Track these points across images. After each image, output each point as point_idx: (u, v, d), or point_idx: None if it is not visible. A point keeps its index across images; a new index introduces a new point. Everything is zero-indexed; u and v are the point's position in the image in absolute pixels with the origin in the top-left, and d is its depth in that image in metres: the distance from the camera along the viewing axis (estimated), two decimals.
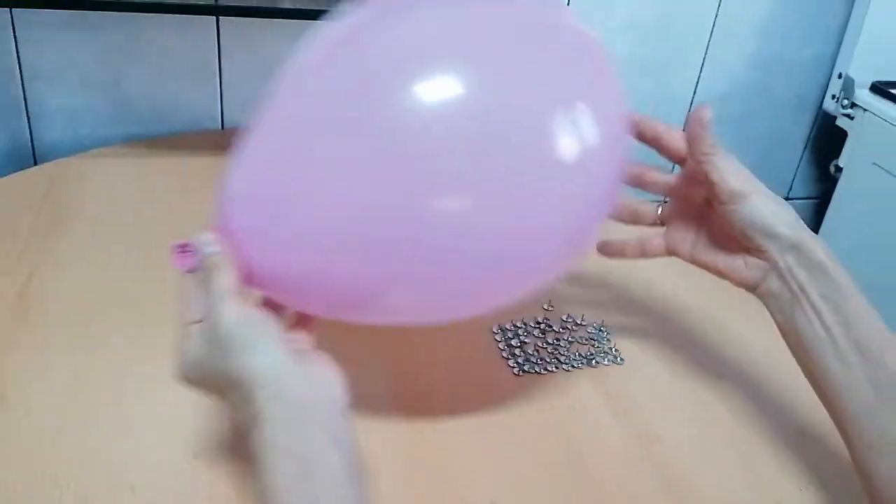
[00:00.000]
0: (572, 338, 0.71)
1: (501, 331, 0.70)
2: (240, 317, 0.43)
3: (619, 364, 0.68)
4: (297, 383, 0.42)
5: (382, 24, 0.48)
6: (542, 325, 0.72)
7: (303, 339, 0.49)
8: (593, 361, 0.68)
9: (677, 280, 0.79)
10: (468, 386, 0.64)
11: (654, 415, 0.62)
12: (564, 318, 0.73)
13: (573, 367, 0.67)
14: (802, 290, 0.51)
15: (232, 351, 0.42)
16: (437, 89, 0.45)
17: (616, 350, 0.70)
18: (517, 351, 0.68)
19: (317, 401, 0.42)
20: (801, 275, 0.51)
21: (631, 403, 0.63)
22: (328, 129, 0.45)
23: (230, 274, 0.45)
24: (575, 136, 0.47)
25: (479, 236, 0.45)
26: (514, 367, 0.66)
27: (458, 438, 0.58)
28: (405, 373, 0.64)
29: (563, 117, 0.47)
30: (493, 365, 0.67)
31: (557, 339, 0.70)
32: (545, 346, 0.69)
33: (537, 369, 0.66)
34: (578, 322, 0.73)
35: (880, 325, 0.50)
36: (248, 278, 0.47)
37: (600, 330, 0.72)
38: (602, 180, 0.50)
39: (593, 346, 0.70)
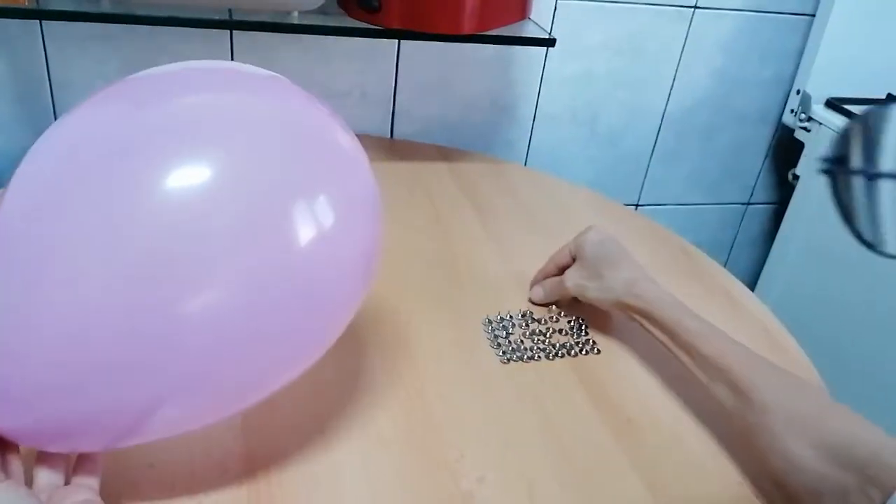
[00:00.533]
0: (554, 329, 0.71)
1: (489, 322, 0.71)
2: None
3: (595, 354, 0.68)
4: None
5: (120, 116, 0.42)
6: (527, 318, 0.72)
7: (84, 490, 0.42)
8: (573, 352, 0.68)
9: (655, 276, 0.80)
10: (459, 373, 0.64)
11: (626, 400, 0.63)
12: (547, 312, 0.74)
13: (555, 356, 0.67)
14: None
15: None
16: (182, 183, 0.39)
17: (593, 342, 0.70)
18: (503, 341, 0.68)
19: None
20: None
21: (606, 390, 0.64)
22: (62, 242, 0.38)
23: None
24: (318, 224, 0.42)
25: (238, 329, 0.40)
26: (500, 356, 0.67)
27: (449, 420, 0.59)
28: (400, 361, 0.64)
29: (306, 206, 0.42)
30: (482, 354, 0.67)
31: (541, 331, 0.71)
32: (529, 336, 0.69)
33: (522, 358, 0.67)
34: (560, 316, 0.73)
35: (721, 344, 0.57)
36: (7, 437, 0.41)
37: (579, 323, 0.72)
38: (349, 263, 0.46)
39: (573, 337, 0.70)
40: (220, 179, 0.40)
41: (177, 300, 0.38)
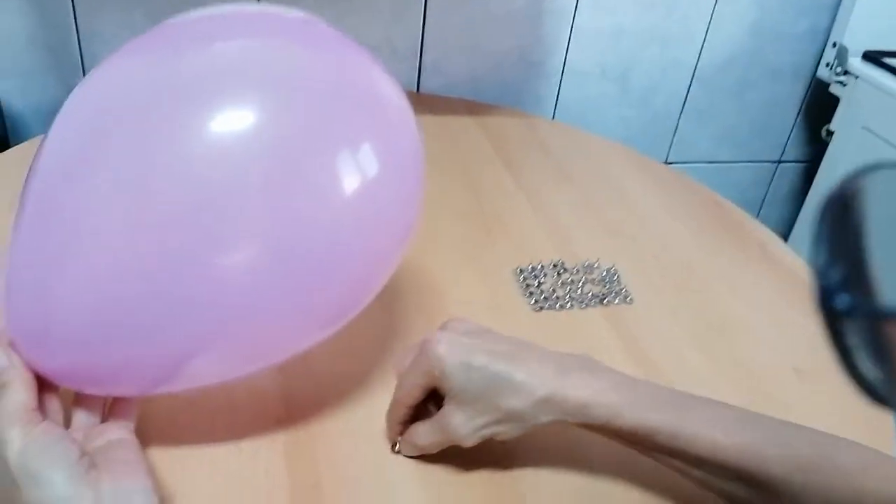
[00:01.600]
0: (587, 279, 0.70)
1: (520, 272, 0.70)
2: (25, 446, 0.36)
3: (628, 304, 0.67)
4: None
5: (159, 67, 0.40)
6: (559, 268, 0.71)
7: (119, 429, 0.42)
8: (605, 301, 0.67)
9: (688, 235, 0.79)
10: (492, 321, 0.60)
11: (657, 349, 0.62)
12: (579, 261, 0.72)
13: (587, 305, 0.66)
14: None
15: (22, 483, 0.36)
16: (220, 133, 0.37)
17: (626, 291, 0.69)
18: (535, 290, 0.68)
19: None
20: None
21: (638, 339, 0.63)
22: (99, 193, 0.37)
23: (18, 395, 0.38)
24: (362, 175, 0.41)
25: (276, 282, 0.39)
26: (532, 304, 0.66)
27: None
28: (433, 311, 0.63)
29: (350, 156, 0.40)
30: (515, 303, 0.66)
31: (573, 280, 0.69)
32: (561, 286, 0.69)
33: (554, 306, 0.66)
34: (593, 265, 0.72)
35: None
36: (46, 378, 0.41)
37: (612, 273, 0.71)
38: (391, 217, 0.44)
39: (605, 286, 0.69)
40: (260, 128, 0.38)
41: (214, 250, 0.38)
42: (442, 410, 0.45)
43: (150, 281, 0.37)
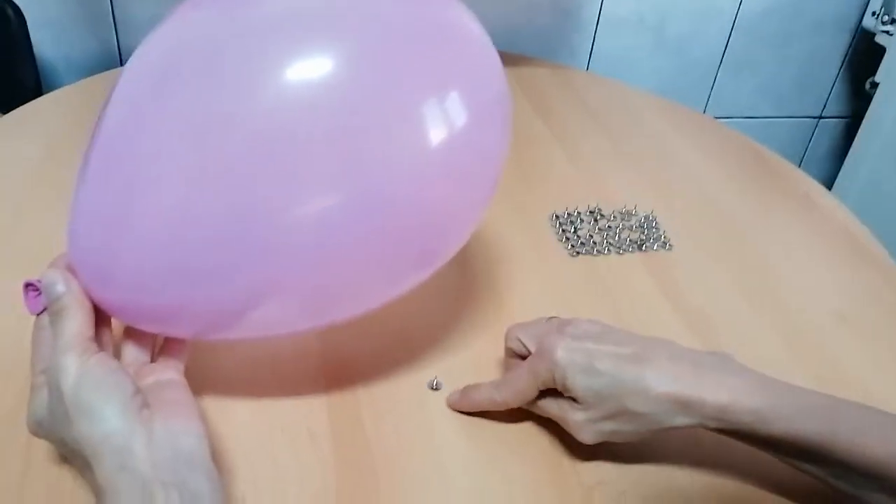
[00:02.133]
0: (624, 226, 0.68)
1: (556, 217, 0.69)
2: (80, 376, 0.35)
3: (667, 250, 0.66)
4: (147, 451, 0.34)
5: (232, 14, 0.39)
6: (596, 214, 0.70)
7: (169, 369, 0.41)
8: (643, 247, 0.66)
9: (728, 183, 0.78)
10: (528, 266, 0.62)
11: (698, 295, 0.61)
12: (617, 207, 0.71)
13: (625, 251, 0.65)
14: None
15: (73, 415, 0.34)
16: (299, 76, 0.36)
17: (665, 237, 0.67)
18: (572, 236, 0.66)
19: (171, 463, 0.34)
20: None
21: (678, 284, 0.62)
22: (172, 131, 0.36)
23: (75, 321, 0.37)
24: (447, 125, 0.39)
25: (348, 235, 0.38)
26: (569, 249, 0.65)
27: (521, 307, 0.57)
28: (469, 255, 0.62)
29: (436, 104, 0.38)
30: (551, 248, 0.65)
31: (610, 226, 0.68)
32: (598, 232, 0.67)
33: (592, 251, 0.65)
34: (630, 212, 0.71)
35: None
36: (104, 310, 0.40)
37: (651, 219, 0.70)
38: (477, 164, 0.42)
39: (643, 232, 0.68)
40: (342, 73, 0.37)
41: (287, 198, 0.36)
42: (561, 403, 0.43)
43: (219, 226, 0.36)
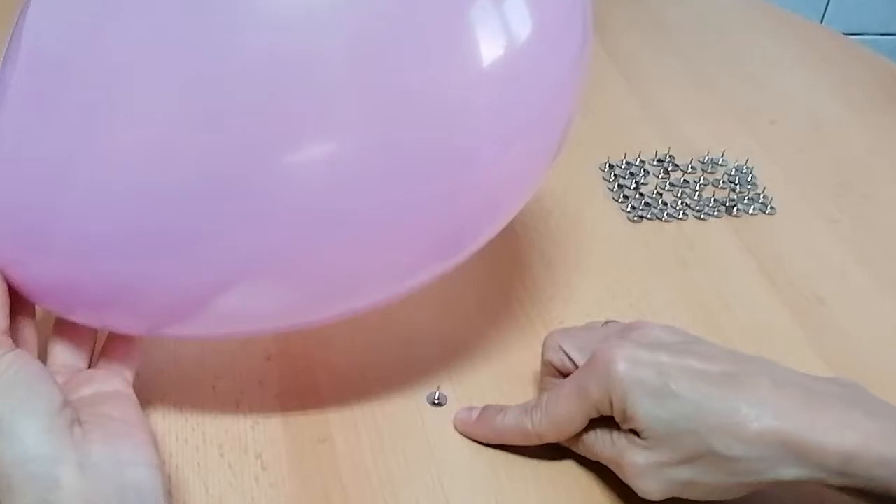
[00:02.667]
0: (707, 180, 0.68)
1: (610, 168, 0.69)
2: None
3: (769, 214, 0.66)
4: (79, 483, 0.34)
5: None
6: (666, 163, 0.69)
7: (114, 378, 0.42)
8: (734, 209, 0.65)
9: (853, 120, 0.77)
10: (569, 236, 0.62)
11: (813, 274, 0.60)
12: (696, 155, 0.71)
13: (708, 215, 0.65)
14: None
15: None
16: None
17: (765, 196, 0.67)
18: (631, 193, 0.66)
19: (113, 501, 0.34)
20: None
21: (784, 259, 0.61)
22: (140, 46, 0.36)
23: None
24: (504, 37, 0.39)
25: (362, 195, 0.38)
26: (628, 212, 0.65)
27: (557, 298, 0.57)
28: None
29: (486, 8, 0.38)
30: (602, 209, 0.65)
31: (686, 181, 0.68)
32: (669, 188, 0.67)
33: (660, 215, 0.64)
34: (716, 161, 0.70)
35: None
36: (24, 294, 0.40)
37: (745, 171, 0.69)
38: (545, 97, 0.43)
39: (736, 190, 0.67)
40: None
41: (285, 142, 0.36)
42: (617, 439, 0.42)
43: (197, 176, 0.36)
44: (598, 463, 0.45)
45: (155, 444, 0.38)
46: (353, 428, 0.47)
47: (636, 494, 0.42)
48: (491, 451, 0.47)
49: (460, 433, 0.47)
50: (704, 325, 0.55)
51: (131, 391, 0.41)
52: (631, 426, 0.41)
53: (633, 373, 0.40)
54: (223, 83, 0.35)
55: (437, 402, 0.49)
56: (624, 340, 0.42)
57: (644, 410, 0.40)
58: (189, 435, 0.46)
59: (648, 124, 0.74)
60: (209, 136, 0.36)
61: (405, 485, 0.44)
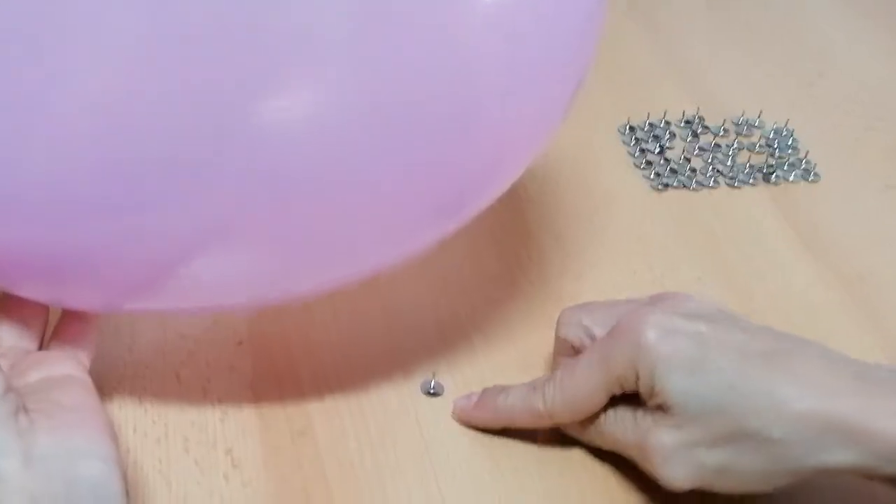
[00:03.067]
0: (741, 143, 0.69)
1: (631, 130, 0.69)
2: None
3: (810, 181, 0.66)
4: (24, 478, 0.34)
5: None
6: (694, 125, 0.70)
7: (66, 361, 0.42)
8: (772, 176, 0.66)
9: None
10: (584, 204, 0.63)
11: (858, 248, 0.61)
12: (729, 115, 0.71)
13: (743, 182, 0.66)
14: None
15: None
16: None
17: (808, 162, 0.68)
18: (655, 158, 0.67)
19: (63, 499, 0.35)
20: None
21: (827, 232, 0.62)
22: None
23: None
24: None
25: (349, 148, 0.38)
26: (651, 179, 0.65)
27: (568, 276, 0.58)
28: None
29: None
30: (623, 175, 0.66)
31: (718, 144, 0.68)
32: (698, 152, 0.68)
33: (687, 183, 0.65)
34: (751, 122, 0.70)
35: None
36: None
37: (785, 133, 0.70)
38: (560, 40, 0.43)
39: (773, 155, 0.68)
40: None
41: (259, 92, 0.36)
42: (641, 418, 0.43)
43: (162, 122, 0.36)
44: (613, 455, 0.45)
45: (113, 435, 0.38)
46: (337, 419, 0.47)
47: (659, 489, 0.42)
48: (493, 444, 0.47)
49: (460, 424, 0.48)
50: (737, 303, 0.55)
51: (86, 375, 0.42)
52: (659, 401, 0.41)
53: (665, 342, 0.41)
54: (191, 10, 0.35)
55: (432, 391, 0.49)
56: (655, 308, 0.43)
57: (675, 384, 0.40)
58: (149, 427, 0.46)
59: (674, 81, 0.75)
60: (175, 77, 0.35)
61: (396, 483, 0.45)
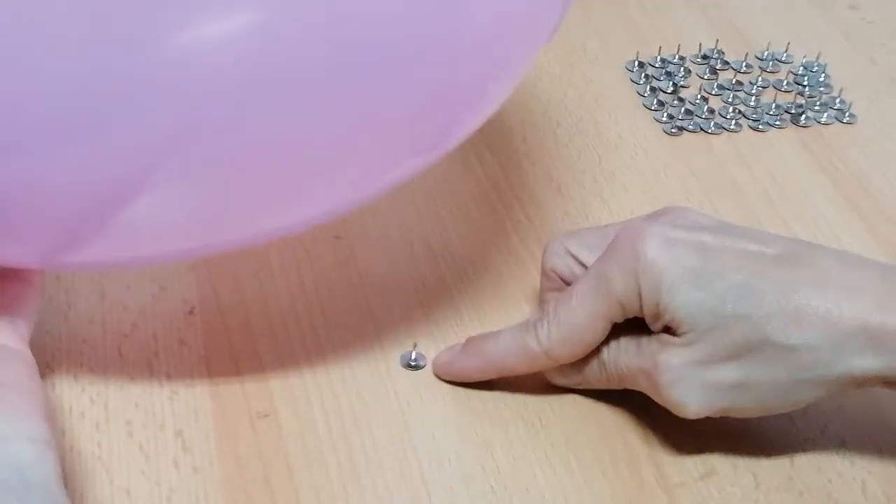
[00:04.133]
0: (766, 80, 0.68)
1: (640, 67, 0.69)
2: None
3: (845, 123, 0.66)
4: None
5: None
6: (714, 60, 0.70)
7: (3, 331, 0.42)
8: (802, 117, 0.66)
9: None
10: (588, 150, 0.63)
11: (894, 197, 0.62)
12: (752, 49, 0.71)
13: (769, 124, 0.65)
14: None
15: None
16: None
17: (842, 102, 0.67)
18: (668, 97, 0.67)
19: None
20: None
21: (866, 180, 0.62)
22: None
23: None
24: None
25: (305, 68, 0.37)
26: (664, 121, 0.65)
27: (576, 219, 0.58)
28: (493, 130, 0.63)
29: None
30: (632, 117, 0.66)
31: (739, 82, 0.68)
32: (717, 91, 0.68)
33: (706, 126, 0.65)
34: (778, 56, 0.71)
35: None
36: None
37: (816, 70, 0.70)
38: None
39: (803, 93, 0.68)
40: None
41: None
42: (646, 344, 0.43)
43: (91, 44, 0.35)
44: (608, 438, 0.46)
45: (47, 415, 0.38)
46: (303, 399, 0.47)
47: (662, 453, 0.44)
48: (486, 426, 0.47)
49: (444, 380, 0.48)
50: None
51: (23, 346, 0.41)
52: (665, 322, 0.42)
53: (667, 253, 0.41)
54: None
55: (413, 363, 0.49)
56: (654, 222, 0.43)
57: (682, 297, 0.41)
58: (86, 408, 0.46)
59: (689, 9, 0.75)
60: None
61: (372, 470, 0.44)
